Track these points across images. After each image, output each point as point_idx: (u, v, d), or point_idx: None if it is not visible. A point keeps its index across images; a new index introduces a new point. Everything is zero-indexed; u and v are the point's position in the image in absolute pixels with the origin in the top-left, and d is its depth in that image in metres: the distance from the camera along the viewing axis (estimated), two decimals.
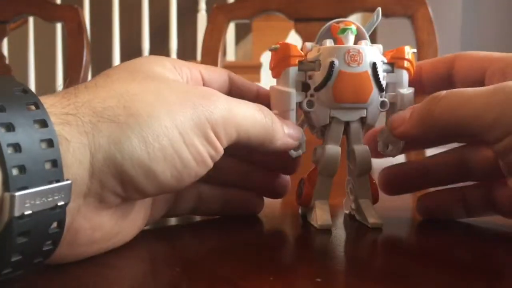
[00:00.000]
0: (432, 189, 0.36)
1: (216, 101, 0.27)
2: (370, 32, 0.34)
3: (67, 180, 0.22)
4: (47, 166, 0.22)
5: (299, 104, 0.32)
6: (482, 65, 0.31)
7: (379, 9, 0.33)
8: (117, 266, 0.27)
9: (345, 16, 0.86)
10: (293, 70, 0.32)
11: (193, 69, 0.31)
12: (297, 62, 0.32)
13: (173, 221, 0.36)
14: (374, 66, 0.31)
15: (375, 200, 0.34)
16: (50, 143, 0.22)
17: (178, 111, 0.26)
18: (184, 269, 0.26)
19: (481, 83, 0.31)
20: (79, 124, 0.24)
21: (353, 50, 0.31)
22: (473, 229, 0.34)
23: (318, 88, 0.31)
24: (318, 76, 0.31)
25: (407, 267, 0.27)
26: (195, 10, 2.42)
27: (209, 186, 0.34)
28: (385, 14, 0.86)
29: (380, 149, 0.34)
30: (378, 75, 0.31)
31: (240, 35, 2.63)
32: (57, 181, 0.22)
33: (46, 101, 0.24)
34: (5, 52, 1.68)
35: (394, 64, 0.33)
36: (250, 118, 0.29)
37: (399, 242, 0.32)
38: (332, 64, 0.30)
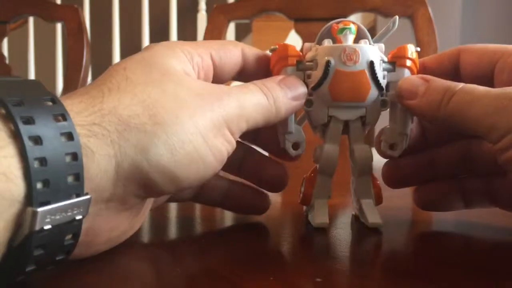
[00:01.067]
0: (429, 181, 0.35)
1: (229, 99, 0.28)
2: (384, 39, 0.33)
3: (86, 194, 0.23)
4: (70, 179, 0.22)
5: None
6: (491, 59, 0.31)
7: (396, 17, 0.33)
8: (118, 266, 0.27)
9: (345, 16, 0.86)
10: (291, 70, 0.32)
11: (204, 56, 0.30)
12: (295, 62, 0.32)
13: (173, 221, 0.36)
14: (371, 64, 0.31)
15: (378, 201, 0.34)
16: (75, 156, 0.22)
17: (199, 115, 0.26)
18: (184, 269, 0.26)
19: (490, 78, 0.31)
20: (105, 134, 0.24)
21: (349, 49, 0.31)
22: (473, 229, 0.34)
23: (315, 87, 0.31)
24: (315, 76, 0.31)
25: (407, 267, 0.27)
26: (195, 10, 2.41)
27: (215, 176, 0.34)
28: (385, 14, 0.86)
29: (383, 149, 0.34)
30: (376, 74, 0.31)
31: (240, 35, 2.63)
32: (78, 195, 0.22)
33: (73, 108, 0.24)
34: (5, 52, 1.68)
35: (395, 62, 0.32)
36: (257, 106, 0.29)
37: (399, 242, 0.32)
38: (328, 63, 0.31)
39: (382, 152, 0.34)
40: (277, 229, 0.35)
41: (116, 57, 2.33)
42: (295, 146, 0.33)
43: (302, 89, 0.31)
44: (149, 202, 0.30)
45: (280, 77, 0.31)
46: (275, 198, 0.43)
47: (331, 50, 0.31)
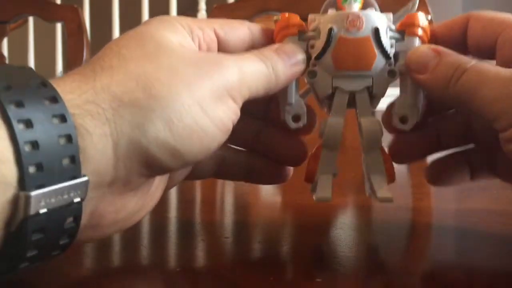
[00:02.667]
0: (438, 156, 0.34)
1: (228, 66, 0.27)
2: (400, 20, 0.32)
3: (83, 176, 0.22)
4: (65, 162, 0.21)
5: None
6: (495, 30, 0.30)
7: (417, 0, 0.32)
8: (118, 266, 0.27)
9: None
10: (292, 39, 0.31)
11: (206, 29, 0.30)
12: (296, 31, 0.31)
13: (173, 221, 0.36)
14: (376, 31, 0.29)
15: (390, 178, 0.32)
16: (69, 138, 0.22)
17: (196, 85, 0.25)
18: (184, 268, 0.26)
19: (494, 49, 0.30)
20: (100, 112, 0.23)
21: (352, 15, 0.30)
22: (473, 229, 0.34)
23: (318, 57, 0.30)
24: (318, 45, 0.30)
25: (406, 267, 0.27)
26: (195, 10, 2.42)
27: (233, 150, 0.33)
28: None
29: (393, 122, 0.32)
30: (381, 40, 0.30)
31: None
32: (74, 177, 0.22)
33: (65, 87, 0.23)
34: (5, 52, 1.68)
35: (404, 31, 0.31)
36: (257, 73, 0.28)
37: (399, 242, 0.32)
38: (330, 30, 0.30)
39: (392, 126, 0.32)
40: (277, 229, 0.35)
41: None
42: (296, 118, 0.32)
43: (300, 56, 0.30)
44: (161, 181, 0.29)
45: (276, 45, 0.30)
46: (275, 198, 0.43)
47: (334, 17, 0.30)
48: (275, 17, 0.32)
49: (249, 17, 0.91)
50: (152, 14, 2.34)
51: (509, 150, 0.26)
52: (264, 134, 0.34)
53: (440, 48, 0.29)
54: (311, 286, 0.24)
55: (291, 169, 0.34)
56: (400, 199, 0.37)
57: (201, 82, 0.26)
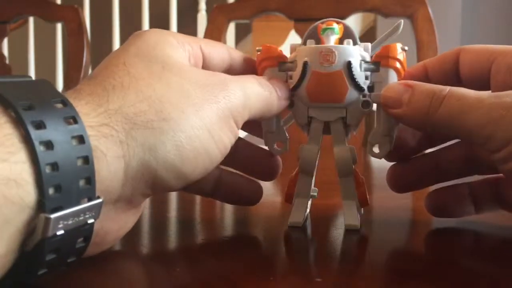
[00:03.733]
0: (439, 186, 0.35)
1: (234, 89, 0.28)
2: (383, 42, 0.33)
3: (98, 198, 0.23)
4: (81, 183, 0.22)
5: None
6: (487, 59, 0.31)
7: (401, 22, 0.33)
8: (118, 266, 0.27)
9: (345, 16, 0.86)
10: (271, 71, 0.32)
11: (194, 45, 0.31)
12: (276, 63, 0.32)
13: (173, 221, 0.36)
14: (348, 65, 0.30)
15: (363, 203, 0.33)
16: (86, 160, 0.22)
17: (204, 107, 0.26)
18: (184, 269, 0.26)
19: (487, 78, 0.31)
20: (113, 135, 0.24)
21: (325, 50, 0.31)
22: (473, 229, 0.34)
23: (294, 88, 0.32)
24: (295, 76, 0.32)
25: (407, 267, 0.27)
26: (195, 10, 2.41)
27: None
28: (385, 14, 0.86)
29: (368, 150, 0.33)
30: (353, 74, 0.30)
31: (240, 35, 2.63)
32: (89, 198, 0.22)
33: (81, 109, 0.23)
34: (5, 52, 1.68)
35: (379, 62, 0.32)
36: (259, 96, 0.30)
37: (399, 243, 0.32)
38: (305, 64, 0.31)
39: (369, 153, 0.33)
40: (277, 229, 0.35)
41: None
42: (279, 145, 0.34)
43: (286, 91, 0.32)
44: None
45: (267, 77, 0.32)
46: (274, 198, 0.43)
47: (309, 51, 0.31)
48: (257, 48, 0.33)
49: (249, 17, 0.91)
50: (152, 14, 2.34)
51: (505, 169, 0.27)
52: (241, 150, 0.34)
53: (411, 81, 0.30)
54: (311, 286, 0.24)
55: (261, 191, 0.35)
56: (400, 199, 0.37)
57: (209, 106, 0.26)
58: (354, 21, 1.73)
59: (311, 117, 0.32)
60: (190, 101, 0.26)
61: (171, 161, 0.25)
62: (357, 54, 0.31)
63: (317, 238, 0.32)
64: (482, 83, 0.31)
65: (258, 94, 0.30)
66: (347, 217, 0.33)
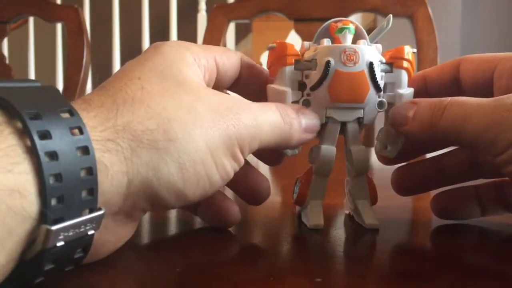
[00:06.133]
0: (445, 188, 0.35)
1: (246, 116, 0.27)
2: (378, 38, 0.33)
3: (99, 209, 0.23)
4: (84, 194, 0.22)
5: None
6: (489, 66, 0.31)
7: (390, 16, 0.33)
8: (118, 266, 0.27)
9: (345, 16, 0.86)
10: (289, 69, 0.32)
11: (209, 59, 0.30)
12: (293, 61, 0.32)
13: (173, 221, 0.36)
14: (371, 65, 0.30)
15: (373, 201, 0.34)
16: (90, 171, 0.22)
17: (212, 133, 0.26)
18: (184, 269, 0.26)
19: (490, 84, 0.31)
20: (118, 150, 0.23)
21: (349, 50, 0.30)
22: (473, 229, 0.34)
23: (314, 88, 0.31)
24: (314, 76, 0.31)
25: (406, 267, 0.27)
26: (195, 10, 2.41)
27: None
28: (385, 14, 0.86)
29: (377, 149, 0.34)
30: (375, 75, 0.31)
31: (240, 35, 2.63)
32: (91, 209, 0.22)
33: (88, 122, 0.23)
34: (5, 52, 1.68)
35: (392, 64, 0.32)
36: (274, 127, 0.29)
37: (399, 242, 0.32)
38: (328, 63, 0.30)
39: (377, 152, 0.34)
40: (277, 229, 0.35)
41: (116, 57, 2.33)
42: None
43: (316, 122, 0.31)
44: None
45: (297, 106, 0.31)
46: (274, 198, 0.43)
47: (331, 50, 0.31)
48: (269, 45, 0.32)
49: (249, 17, 0.91)
50: (152, 14, 2.34)
51: (509, 172, 0.27)
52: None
53: (417, 99, 0.31)
54: (311, 286, 0.24)
55: (236, 218, 0.33)
56: (400, 199, 0.37)
57: (217, 131, 0.26)
58: (354, 21, 1.73)
59: (328, 117, 0.32)
60: (199, 123, 0.26)
61: (173, 182, 0.25)
62: (376, 55, 0.31)
63: (317, 238, 0.32)
64: (485, 91, 0.31)
65: (274, 126, 0.29)
66: (366, 217, 0.33)
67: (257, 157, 0.35)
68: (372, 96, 0.31)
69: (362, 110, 0.32)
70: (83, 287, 0.24)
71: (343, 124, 0.32)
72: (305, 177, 0.34)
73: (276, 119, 0.29)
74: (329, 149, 0.32)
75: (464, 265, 0.27)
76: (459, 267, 0.27)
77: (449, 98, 0.29)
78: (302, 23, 0.88)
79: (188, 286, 0.24)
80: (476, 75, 0.32)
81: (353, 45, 0.31)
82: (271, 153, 0.34)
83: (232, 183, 0.32)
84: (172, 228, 0.35)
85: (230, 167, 0.27)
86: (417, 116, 0.30)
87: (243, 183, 0.33)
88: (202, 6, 2.36)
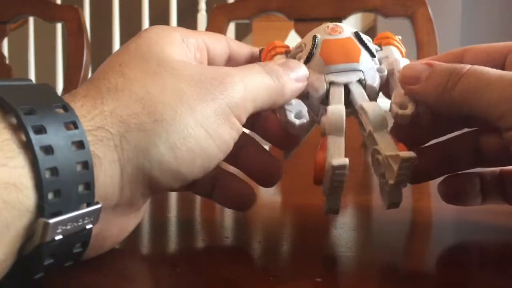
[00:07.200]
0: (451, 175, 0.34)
1: (232, 82, 0.27)
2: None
3: (96, 203, 0.23)
4: (81, 188, 0.22)
5: None
6: (501, 53, 0.30)
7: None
8: (118, 266, 0.27)
9: (345, 16, 0.86)
10: (280, 57, 0.32)
11: (198, 38, 0.30)
12: (284, 51, 0.33)
13: (173, 221, 0.36)
14: (356, 33, 0.32)
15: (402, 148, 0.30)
16: (85, 165, 0.22)
17: (200, 106, 0.25)
18: (184, 269, 0.26)
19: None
20: (108, 138, 0.23)
21: (332, 24, 0.32)
22: (473, 229, 0.34)
23: (307, 60, 0.31)
24: (304, 53, 0.32)
25: (407, 268, 0.27)
26: (195, 10, 2.41)
27: None
28: (385, 14, 0.86)
29: (393, 110, 0.31)
30: (362, 39, 0.32)
31: (240, 35, 2.63)
32: (88, 204, 0.22)
33: (77, 111, 0.23)
34: (5, 52, 1.68)
35: (380, 44, 0.33)
36: (263, 85, 0.28)
37: (399, 242, 0.32)
38: (314, 37, 0.31)
39: (394, 114, 0.31)
40: (277, 229, 0.35)
41: None
42: (298, 116, 0.32)
43: (303, 70, 0.31)
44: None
45: (280, 61, 0.31)
46: (274, 198, 0.43)
47: (315, 30, 0.32)
48: (261, 48, 0.34)
49: (249, 17, 0.91)
50: (152, 14, 2.34)
51: None
52: (246, 150, 0.33)
53: (432, 61, 0.30)
54: (311, 286, 0.24)
55: (253, 198, 0.33)
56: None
57: (205, 104, 0.26)
58: (354, 21, 1.73)
59: (330, 82, 0.31)
60: (184, 100, 0.25)
61: (165, 163, 0.24)
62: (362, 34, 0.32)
63: (317, 238, 0.32)
64: None
65: (263, 83, 0.28)
66: (390, 196, 0.30)
67: (249, 176, 0.34)
68: (366, 58, 0.32)
69: (361, 73, 0.31)
70: (83, 286, 0.24)
71: (347, 91, 0.31)
72: (321, 147, 0.30)
73: (263, 76, 0.29)
74: (336, 107, 0.31)
75: (465, 265, 0.27)
76: (459, 268, 0.27)
77: (468, 66, 0.28)
78: (302, 23, 0.88)
79: (188, 286, 0.24)
80: (485, 63, 0.31)
81: (336, 23, 0.32)
82: (265, 170, 0.33)
83: (244, 165, 0.33)
84: (172, 228, 0.35)
85: (229, 137, 0.27)
86: (432, 78, 0.29)
87: (256, 165, 0.33)
88: (202, 6, 2.36)
